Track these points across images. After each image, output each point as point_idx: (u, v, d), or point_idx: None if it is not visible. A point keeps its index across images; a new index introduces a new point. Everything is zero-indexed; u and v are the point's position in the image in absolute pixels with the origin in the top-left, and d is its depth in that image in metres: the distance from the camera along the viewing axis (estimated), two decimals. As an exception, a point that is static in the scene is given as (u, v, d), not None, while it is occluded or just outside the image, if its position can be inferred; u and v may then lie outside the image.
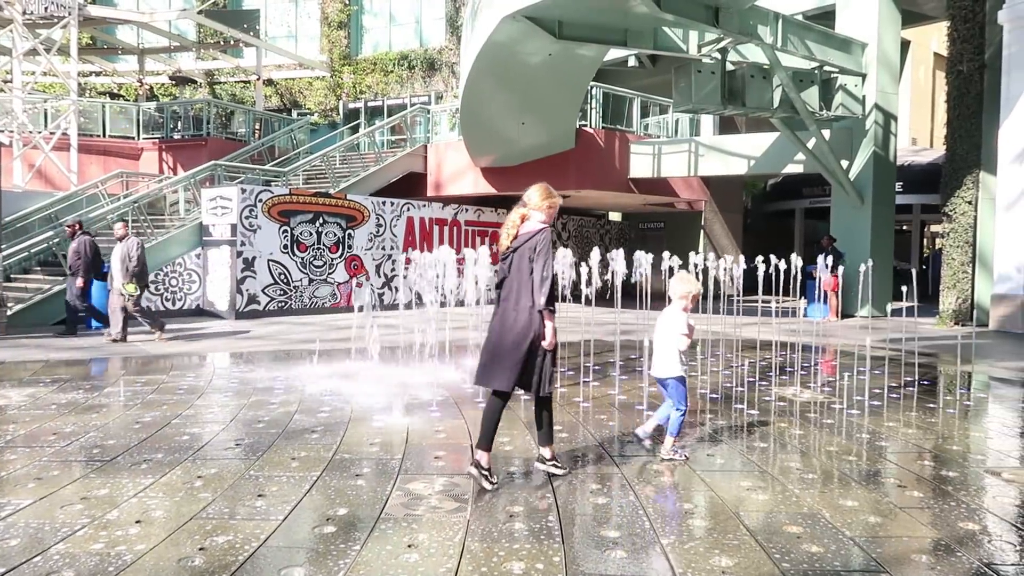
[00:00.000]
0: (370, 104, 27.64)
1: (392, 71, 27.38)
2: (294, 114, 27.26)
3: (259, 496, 3.98)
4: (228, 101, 26.92)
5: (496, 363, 4.22)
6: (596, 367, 8.66)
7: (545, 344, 4.16)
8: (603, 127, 18.59)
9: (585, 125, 18.19)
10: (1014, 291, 12.97)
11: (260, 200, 14.45)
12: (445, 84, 26.70)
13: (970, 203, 13.96)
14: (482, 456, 4.20)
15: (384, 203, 16.93)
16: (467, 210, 18.91)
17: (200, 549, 3.29)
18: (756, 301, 20.86)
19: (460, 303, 9.20)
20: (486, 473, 4.15)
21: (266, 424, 5.62)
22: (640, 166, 18.62)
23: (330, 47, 27.97)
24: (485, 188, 18.94)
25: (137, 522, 3.59)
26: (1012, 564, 3.23)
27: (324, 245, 15.51)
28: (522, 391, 4.33)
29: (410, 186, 19.61)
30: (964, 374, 9.03)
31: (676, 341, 4.62)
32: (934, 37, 26.09)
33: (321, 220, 15.48)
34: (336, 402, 6.52)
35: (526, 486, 4.20)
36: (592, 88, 18.15)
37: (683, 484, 4.32)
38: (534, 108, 16.01)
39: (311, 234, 15.30)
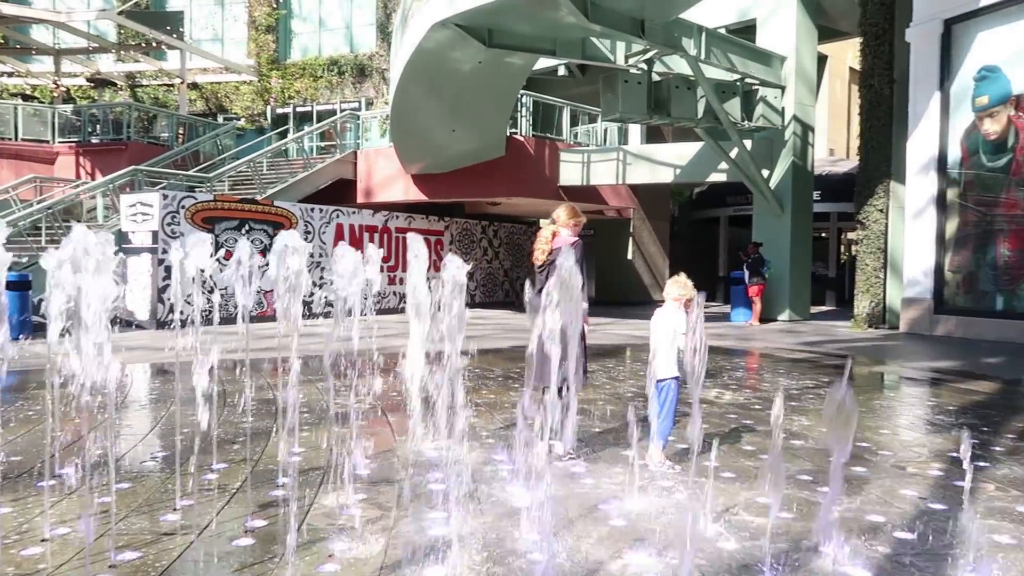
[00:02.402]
0: (299, 109, 27.23)
1: (322, 76, 27.04)
2: (220, 119, 26.62)
3: (173, 510, 3.87)
4: (150, 105, 26.10)
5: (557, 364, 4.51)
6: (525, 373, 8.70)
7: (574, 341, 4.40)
8: (533, 135, 18.77)
9: (515, 133, 18.33)
10: (922, 295, 13.63)
11: (183, 207, 14.06)
12: (376, 90, 26.52)
13: (881, 211, 14.61)
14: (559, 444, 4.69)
15: (313, 210, 16.69)
16: (398, 217, 18.79)
17: (110, 567, 3.18)
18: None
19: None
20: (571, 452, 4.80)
21: (186, 437, 5.46)
22: (570, 174, 18.86)
23: (257, 51, 27.45)
24: (416, 195, 18.88)
25: (43, 540, 3.44)
26: (915, 553, 3.39)
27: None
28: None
29: (340, 193, 19.39)
30: (876, 374, 9.43)
31: (676, 340, 4.67)
32: (849, 52, 27.26)
33: (247, 227, 15.15)
34: (263, 409, 6.38)
35: (448, 491, 4.20)
36: (522, 96, 18.31)
37: (605, 485, 4.38)
38: (465, 115, 16.05)
39: (237, 241, 14.94)
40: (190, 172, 18.54)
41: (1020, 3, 12.15)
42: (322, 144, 22.80)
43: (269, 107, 27.40)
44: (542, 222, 26.42)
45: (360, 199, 19.65)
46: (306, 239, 16.32)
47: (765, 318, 16.34)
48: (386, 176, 19.28)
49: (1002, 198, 12.54)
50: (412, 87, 15.05)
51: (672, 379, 4.78)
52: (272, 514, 3.83)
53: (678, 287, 4.85)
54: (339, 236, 17.18)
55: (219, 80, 27.67)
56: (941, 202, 13.47)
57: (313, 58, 27.39)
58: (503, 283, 22.58)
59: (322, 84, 27.03)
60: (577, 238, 4.91)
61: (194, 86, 27.33)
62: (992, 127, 12.64)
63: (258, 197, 16.81)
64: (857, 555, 3.34)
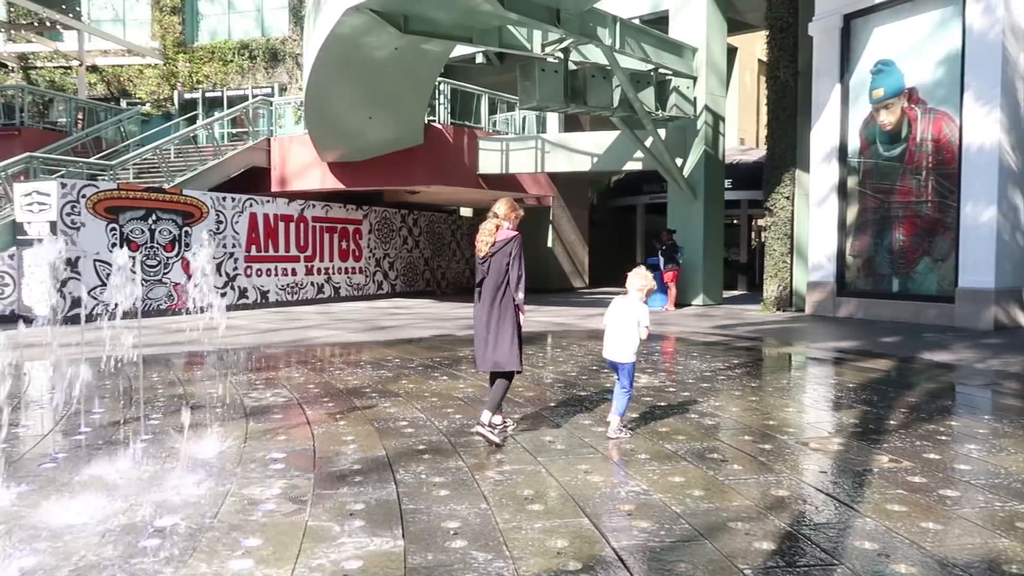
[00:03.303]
0: (208, 95, 26.28)
1: (232, 60, 26.15)
2: (123, 103, 25.43)
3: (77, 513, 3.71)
4: (46, 88, 24.70)
5: (498, 351, 5.07)
6: (446, 362, 8.70)
7: (512, 326, 5.08)
8: (452, 123, 18.67)
9: (434, 121, 18.20)
10: (826, 279, 14.27)
11: (84, 196, 13.40)
12: (290, 76, 25.84)
13: (788, 198, 15.20)
14: (491, 416, 5.08)
15: (225, 199, 16.17)
16: (314, 206, 18.41)
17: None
18: (601, 293, 21.75)
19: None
20: (499, 426, 5.17)
21: (92, 431, 5.24)
22: (489, 162, 18.86)
23: (162, 33, 26.32)
24: (333, 183, 18.53)
25: (-70, 550, 3.25)
26: (815, 524, 3.56)
27: (158, 243, 14.60)
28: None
29: (253, 181, 18.84)
30: (784, 355, 9.84)
31: (640, 331, 5.14)
32: (758, 44, 28.14)
33: (154, 217, 14.57)
34: (173, 406, 6.17)
35: (366, 482, 4.17)
36: (440, 84, 18.17)
37: (524, 470, 4.44)
38: (382, 102, 15.82)
39: (143, 232, 14.37)
40: (91, 159, 17.65)
41: (914, 0, 12.80)
42: (234, 131, 22.07)
43: (176, 92, 26.33)
44: (463, 210, 26.38)
45: (275, 187, 19.14)
46: (218, 229, 15.81)
47: (680, 303, 16.79)
48: (302, 164, 18.83)
49: (898, 186, 13.22)
50: (326, 73, 14.73)
51: (630, 363, 5.22)
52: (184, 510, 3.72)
53: (641, 279, 5.22)
54: (253, 226, 16.71)
55: (121, 63, 26.41)
56: (842, 190, 14.11)
57: (222, 41, 26.45)
58: (424, 272, 22.44)
59: (232, 69, 26.15)
60: (517, 232, 5.17)
61: (94, 69, 26.00)
62: (888, 118, 13.30)
63: (166, 186, 16.16)
64: (762, 529, 3.49)
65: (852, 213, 14.02)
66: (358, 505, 3.81)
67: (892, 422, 5.68)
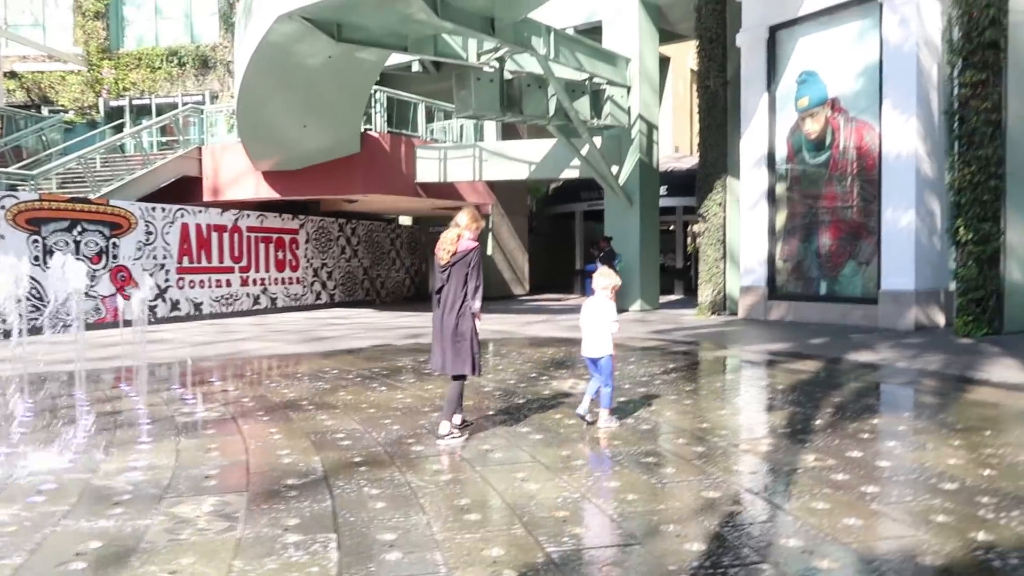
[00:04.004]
0: (136, 102, 25.56)
1: (160, 67, 25.50)
2: (44, 111, 24.51)
3: (-6, 539, 3.56)
4: (-40, 94, 23.63)
5: (456, 355, 5.30)
6: (384, 372, 8.64)
7: (467, 333, 5.31)
8: (389, 131, 18.59)
9: (370, 129, 18.08)
10: (757, 283, 14.67)
11: (3, 207, 12.87)
12: (221, 83, 25.32)
13: (720, 205, 15.59)
14: (445, 424, 5.34)
15: (154, 209, 15.73)
16: (249, 215, 18.06)
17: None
18: (542, 300, 21.90)
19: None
20: (455, 431, 5.36)
21: (10, 452, 5.03)
22: (427, 170, 18.82)
23: (86, 39, 25.48)
24: (268, 192, 18.23)
25: None
26: (744, 524, 3.67)
27: (84, 256, 14.11)
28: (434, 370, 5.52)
29: (184, 191, 18.39)
30: (718, 359, 10.08)
31: (610, 326, 5.63)
32: (690, 54, 28.82)
33: (79, 228, 14.08)
34: (100, 423, 5.96)
35: (301, 497, 4.12)
36: (376, 92, 18.08)
37: (461, 479, 4.45)
38: (316, 110, 15.65)
39: (68, 244, 13.86)
40: (10, 169, 16.96)
41: (834, 13, 13.31)
42: (163, 139, 21.52)
43: (101, 99, 25.52)
44: (401, 219, 26.24)
45: (207, 197, 18.71)
46: (148, 240, 15.37)
47: (618, 309, 17.00)
48: (235, 173, 18.46)
49: (824, 192, 13.70)
50: (259, 81, 14.50)
51: (606, 357, 5.69)
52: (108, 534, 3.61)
53: (606, 278, 5.75)
54: (185, 236, 16.29)
55: (42, 69, 25.46)
56: (771, 196, 14.54)
57: (150, 48, 25.75)
58: (363, 281, 22.22)
59: (161, 75, 25.48)
60: (476, 242, 5.42)
61: (12, 75, 25.00)
62: (812, 127, 13.78)
63: (91, 196, 15.63)
64: (693, 531, 3.58)
65: (781, 218, 14.46)
66: (292, 520, 3.76)
67: (819, 422, 5.87)
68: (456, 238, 5.35)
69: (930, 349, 9.99)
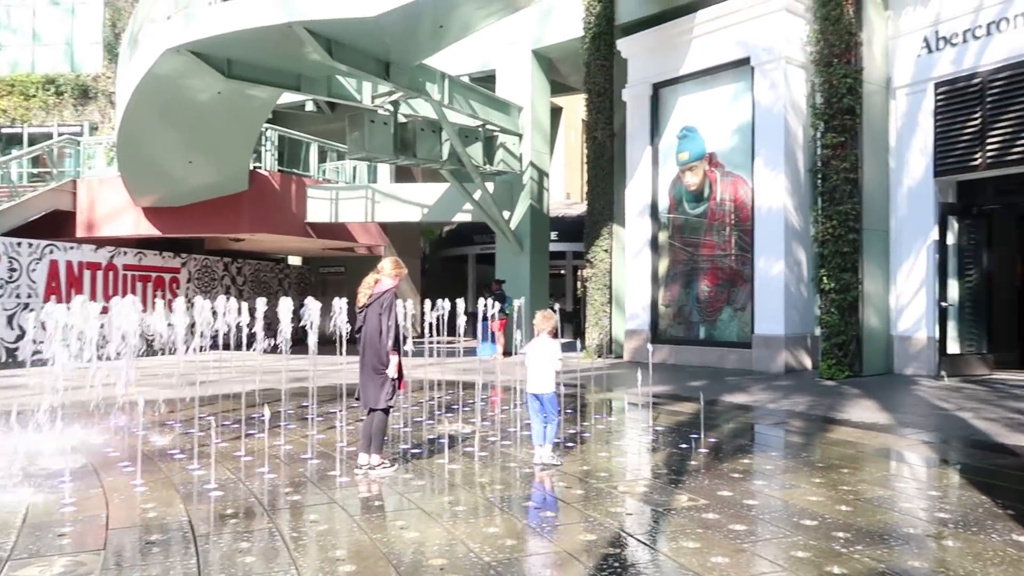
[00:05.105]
0: (6, 131, 24.03)
1: (35, 95, 24.14)
2: (-102, 136, 22.69)
3: None
4: None
5: (376, 390, 5.70)
6: (261, 418, 8.35)
7: (390, 372, 5.70)
8: (279, 170, 18.26)
9: (259, 167, 17.71)
10: (641, 327, 15.16)
11: None
12: (102, 114, 24.21)
13: (607, 251, 16.09)
14: (374, 457, 5.68)
15: (20, 244, 14.76)
16: (126, 253, 17.21)
17: None
18: (434, 342, 21.78)
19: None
20: (385, 462, 5.73)
21: None
22: (318, 211, 18.56)
23: (-50, 61, 23.86)
24: (148, 229, 17.47)
25: None
26: (618, 566, 3.75)
27: (-65, 293, 13.04)
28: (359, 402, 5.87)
29: (56, 225, 17.38)
30: (603, 401, 10.30)
31: (555, 364, 5.99)
32: (581, 105, 29.87)
33: (-69, 263, 13.02)
34: (-64, 482, 5.48)
35: (164, 554, 3.91)
36: (267, 130, 17.77)
37: (337, 529, 4.34)
38: (203, 147, 15.22)
39: (-84, 280, 12.78)
40: None
41: (711, 74, 14.15)
42: (35, 171, 20.29)
43: (-35, 126, 23.88)
44: (291, 259, 25.65)
45: (81, 233, 17.73)
46: (11, 278, 14.39)
47: (509, 351, 17.16)
48: (113, 208, 17.61)
49: (702, 241, 14.39)
50: (143, 114, 13.98)
51: (552, 393, 6.03)
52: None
53: (544, 320, 6.09)
54: (54, 274, 15.34)
55: (-102, 91, 23.63)
56: (655, 244, 15.14)
57: (25, 75, 24.37)
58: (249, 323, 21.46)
59: (35, 104, 24.12)
60: (392, 287, 5.79)
61: None
62: (692, 179, 14.52)
63: (-53, 229, 14.54)
64: (567, 573, 3.62)
65: (664, 265, 15.06)
66: (153, 579, 3.56)
67: (694, 463, 6.10)
68: (374, 282, 5.80)
69: (797, 391, 10.57)
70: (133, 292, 17.35)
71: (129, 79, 13.76)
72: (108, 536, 4.23)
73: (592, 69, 16.08)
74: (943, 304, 11.97)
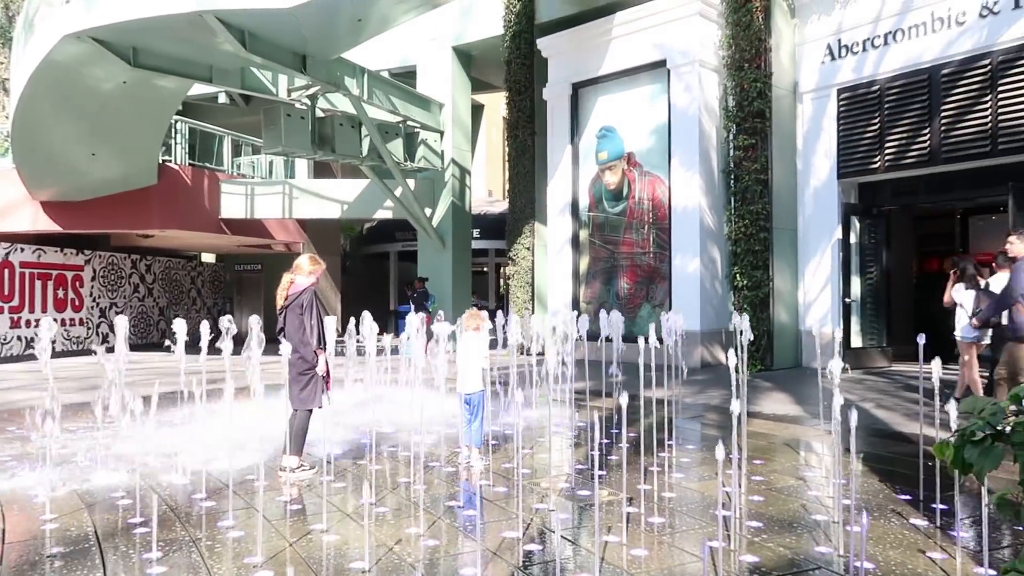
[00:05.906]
0: None
1: (-82, 80, 22.56)
2: None
3: None
4: None
5: (300, 390, 5.64)
6: (173, 422, 8.04)
7: (319, 370, 5.69)
8: (191, 164, 17.62)
9: (169, 161, 17.04)
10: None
11: None
12: (-5, 102, 22.83)
13: (528, 249, 16.20)
14: (293, 460, 5.58)
15: (-99, 240, 13.76)
16: (23, 250, 16.27)
17: None
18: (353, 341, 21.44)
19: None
20: (304, 464, 5.66)
21: None
22: (232, 206, 18.00)
23: None
24: (47, 225, 16.54)
25: None
26: (540, 562, 3.77)
27: None
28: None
29: (-58, 220, 16.26)
30: (528, 398, 10.35)
31: (482, 362, 6.00)
32: (503, 103, 29.95)
33: None
34: None
35: (66, 569, 3.72)
36: (177, 122, 17.11)
37: (254, 536, 4.22)
38: (107, 138, 14.50)
39: None
40: None
41: (629, 75, 14.40)
42: (-83, 161, 18.93)
43: None
44: (204, 256, 24.78)
45: (-29, 228, 16.66)
46: None
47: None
48: (7, 202, 16.59)
49: (622, 239, 14.65)
50: (40, 103, 13.21)
51: (480, 392, 6.03)
52: None
53: (472, 318, 6.18)
54: (-59, 272, 14.37)
55: None
56: (575, 242, 15.33)
57: (-94, 57, 22.76)
58: (158, 323, 20.66)
59: (-81, 89, 22.55)
60: (309, 285, 5.70)
61: None
62: (611, 178, 14.75)
63: None
64: (492, 571, 3.63)
65: (584, 263, 15.26)
66: (55, 594, 3.38)
67: (614, 457, 6.20)
68: (289, 284, 5.71)
69: (713, 385, 10.90)
70: (31, 291, 16.45)
71: (25, 65, 12.97)
72: (4, 550, 3.99)
73: (513, 67, 16.15)
74: (847, 300, 12.55)
